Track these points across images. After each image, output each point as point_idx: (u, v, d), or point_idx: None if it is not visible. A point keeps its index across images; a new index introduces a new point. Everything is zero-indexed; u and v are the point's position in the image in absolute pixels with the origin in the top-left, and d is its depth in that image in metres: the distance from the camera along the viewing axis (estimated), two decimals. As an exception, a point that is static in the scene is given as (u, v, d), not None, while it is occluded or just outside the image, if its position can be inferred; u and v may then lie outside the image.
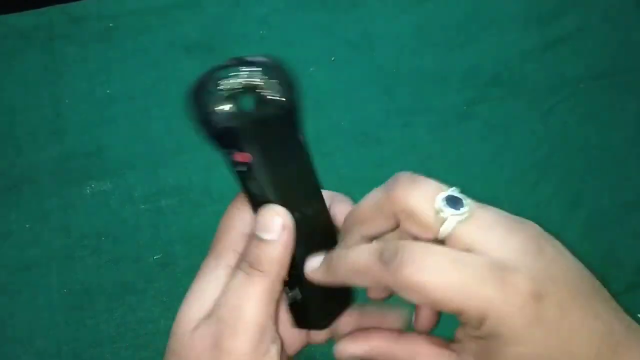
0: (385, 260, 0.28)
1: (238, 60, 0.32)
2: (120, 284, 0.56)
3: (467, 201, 0.29)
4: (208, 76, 0.32)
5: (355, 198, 0.34)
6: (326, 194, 0.36)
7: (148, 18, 0.66)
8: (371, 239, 0.32)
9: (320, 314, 0.36)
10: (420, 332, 0.33)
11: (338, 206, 0.36)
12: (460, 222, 0.28)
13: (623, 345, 0.28)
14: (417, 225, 0.29)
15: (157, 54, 0.64)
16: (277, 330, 0.33)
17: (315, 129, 0.61)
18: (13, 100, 0.62)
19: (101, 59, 0.64)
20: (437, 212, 0.29)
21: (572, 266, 0.29)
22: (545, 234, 0.29)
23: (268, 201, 0.33)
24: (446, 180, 0.30)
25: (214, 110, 0.31)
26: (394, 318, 0.35)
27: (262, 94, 0.32)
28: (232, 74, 0.32)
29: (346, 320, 0.37)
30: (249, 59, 0.32)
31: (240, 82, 0.32)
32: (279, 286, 0.33)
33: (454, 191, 0.29)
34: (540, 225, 0.30)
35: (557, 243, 0.29)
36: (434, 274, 0.27)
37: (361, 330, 0.34)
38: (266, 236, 0.32)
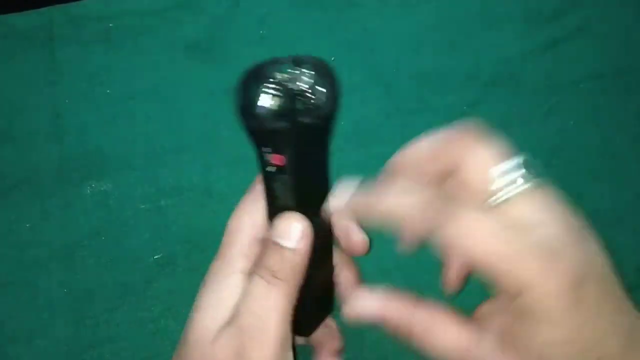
0: (436, 210, 0.27)
1: (296, 59, 0.31)
2: (120, 284, 0.56)
3: (529, 175, 0.29)
4: (264, 69, 0.31)
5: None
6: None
7: (148, 18, 0.65)
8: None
9: (305, 322, 0.36)
10: (446, 292, 0.33)
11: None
12: (518, 194, 0.28)
13: None
14: (473, 183, 0.29)
15: (157, 54, 0.64)
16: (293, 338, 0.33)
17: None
18: (13, 100, 0.62)
19: (101, 59, 0.64)
20: (498, 177, 0.28)
21: (607, 262, 0.29)
22: (588, 227, 0.30)
23: (287, 205, 0.32)
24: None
25: (263, 108, 0.30)
26: None
27: (312, 100, 0.31)
28: (289, 72, 0.31)
29: (323, 330, 0.37)
30: (306, 59, 0.32)
31: (297, 85, 0.31)
32: (297, 294, 0.32)
33: (519, 160, 0.29)
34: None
35: (596, 238, 0.30)
36: (483, 237, 0.27)
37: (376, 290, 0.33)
38: (286, 243, 0.31)
